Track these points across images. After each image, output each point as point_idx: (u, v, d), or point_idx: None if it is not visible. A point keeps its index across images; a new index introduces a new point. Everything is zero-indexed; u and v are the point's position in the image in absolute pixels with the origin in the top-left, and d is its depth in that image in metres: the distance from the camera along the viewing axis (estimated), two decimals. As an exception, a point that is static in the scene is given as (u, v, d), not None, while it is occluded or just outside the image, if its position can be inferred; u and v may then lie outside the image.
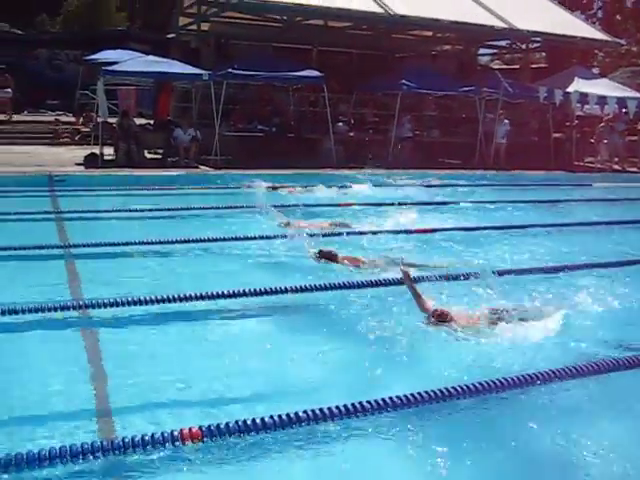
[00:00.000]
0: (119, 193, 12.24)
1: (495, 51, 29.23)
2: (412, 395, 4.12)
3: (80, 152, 16.76)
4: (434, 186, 14.55)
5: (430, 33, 23.03)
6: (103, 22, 35.07)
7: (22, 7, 37.98)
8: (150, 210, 10.43)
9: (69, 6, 37.26)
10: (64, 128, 20.93)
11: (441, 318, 5.42)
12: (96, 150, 15.88)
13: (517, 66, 28.91)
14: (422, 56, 24.12)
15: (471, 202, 12.54)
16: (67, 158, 16.46)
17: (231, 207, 10.73)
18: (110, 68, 15.93)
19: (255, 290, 6.15)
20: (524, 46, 24.44)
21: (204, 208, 10.71)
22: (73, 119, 22.19)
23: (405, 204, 11.60)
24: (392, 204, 11.51)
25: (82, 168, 14.92)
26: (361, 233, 9.06)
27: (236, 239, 8.35)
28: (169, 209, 10.52)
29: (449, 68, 23.34)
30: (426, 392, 4.16)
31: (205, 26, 20.86)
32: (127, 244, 8.03)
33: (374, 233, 9.04)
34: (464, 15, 20.12)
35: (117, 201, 11.60)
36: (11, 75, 22.91)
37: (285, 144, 17.25)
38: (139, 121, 18.96)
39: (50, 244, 7.94)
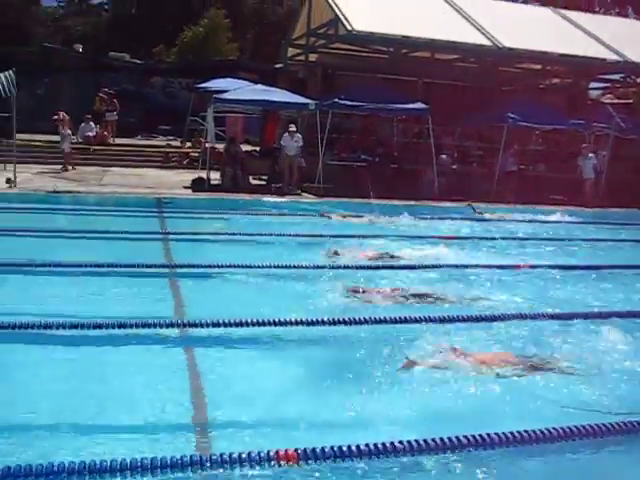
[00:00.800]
0: (223, 216, 12.56)
1: (607, 85, 28.29)
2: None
3: (188, 176, 17.39)
4: (537, 222, 14.15)
5: (539, 66, 22.57)
6: (215, 53, 36.39)
7: (142, 39, 40.27)
8: (249, 234, 10.62)
9: (184, 38, 38.96)
10: (174, 152, 21.80)
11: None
12: (203, 174, 16.45)
13: (630, 100, 27.85)
14: (530, 89, 23.64)
15: (564, 240, 12.10)
16: (175, 181, 17.11)
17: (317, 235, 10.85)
18: (221, 96, 16.50)
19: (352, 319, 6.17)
20: (639, 80, 23.57)
21: (295, 235, 10.74)
22: (181, 144, 23.10)
23: (499, 238, 11.35)
24: (482, 238, 11.28)
25: (189, 191, 15.44)
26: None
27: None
28: (269, 234, 10.61)
29: (558, 102, 22.73)
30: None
31: (312, 57, 21.32)
32: (228, 266, 8.19)
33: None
34: (574, 47, 19.59)
35: (221, 224, 11.91)
36: (125, 101, 24.13)
37: (388, 174, 17.26)
38: (245, 148, 19.51)
39: (156, 263, 8.24)
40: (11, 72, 15.49)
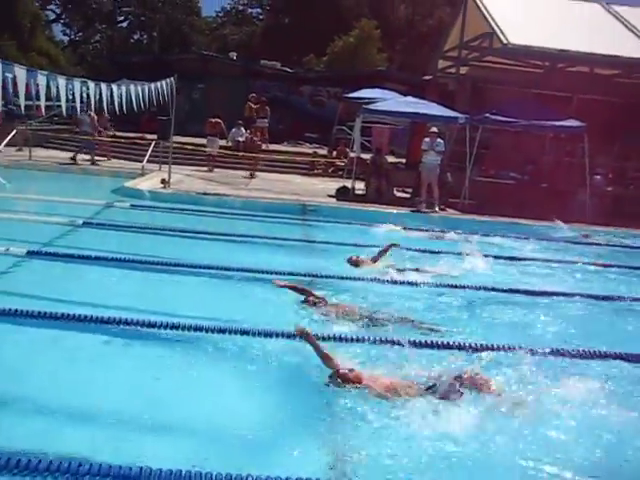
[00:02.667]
0: (365, 227, 12.48)
1: None
2: None
3: (332, 184, 17.55)
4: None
5: None
6: (364, 63, 36.70)
7: (293, 48, 41.38)
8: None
9: (334, 47, 39.61)
10: (319, 160, 22.14)
11: (344, 378, 4.75)
12: (348, 184, 16.55)
13: None
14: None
15: None
16: (320, 189, 17.33)
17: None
18: (370, 107, 16.54)
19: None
20: None
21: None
22: (327, 152, 23.43)
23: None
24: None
25: (333, 200, 15.58)
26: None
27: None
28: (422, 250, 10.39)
29: None
30: None
31: (463, 69, 20.94)
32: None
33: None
34: None
35: (362, 234, 11.82)
36: (274, 108, 24.82)
37: (536, 194, 16.58)
38: (391, 159, 19.47)
39: (299, 272, 8.18)
40: (173, 79, 16.34)
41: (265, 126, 23.59)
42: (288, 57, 37.81)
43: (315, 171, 21.25)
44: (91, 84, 13.13)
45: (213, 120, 21.02)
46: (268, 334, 5.70)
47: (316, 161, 22.00)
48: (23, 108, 14.57)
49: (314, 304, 6.65)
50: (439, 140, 15.41)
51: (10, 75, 7.72)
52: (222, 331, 5.70)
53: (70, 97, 12.33)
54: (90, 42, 58.00)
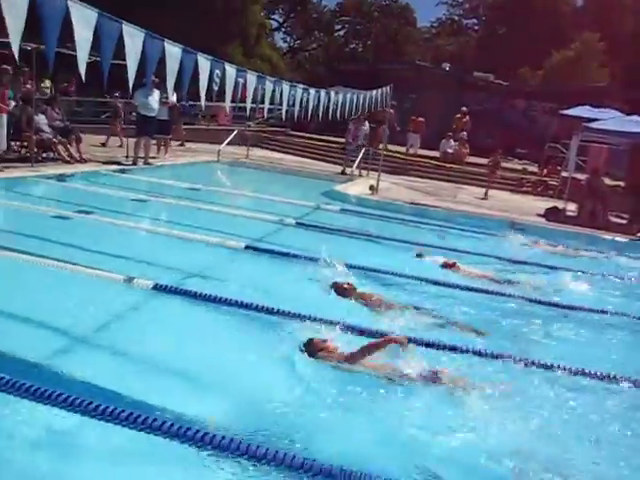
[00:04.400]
0: (579, 253, 11.77)
1: None
2: None
3: (541, 204, 16.86)
4: None
5: None
6: (582, 77, 34.88)
7: (508, 60, 40.39)
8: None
9: (552, 61, 38.06)
10: (528, 178, 21.38)
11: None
12: (559, 204, 15.80)
13: None
14: None
15: None
16: (528, 207, 16.71)
17: None
18: (592, 125, 15.67)
19: None
20: None
21: None
22: (537, 170, 22.55)
23: None
24: None
25: (542, 220, 14.94)
26: None
27: None
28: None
29: None
30: None
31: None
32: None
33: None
34: None
35: (577, 261, 11.15)
36: (485, 121, 24.36)
37: None
38: (607, 181, 18.30)
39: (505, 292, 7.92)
40: (388, 88, 16.58)
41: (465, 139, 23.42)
42: (501, 69, 36.95)
43: (523, 188, 20.54)
44: (311, 90, 13.68)
45: (418, 119, 21.16)
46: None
47: (525, 178, 21.26)
48: (249, 110, 15.58)
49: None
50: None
51: (242, 80, 8.24)
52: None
53: (291, 102, 12.95)
54: (307, 49, 60.56)
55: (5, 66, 13.05)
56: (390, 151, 19.68)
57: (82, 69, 5.30)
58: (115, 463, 3.74)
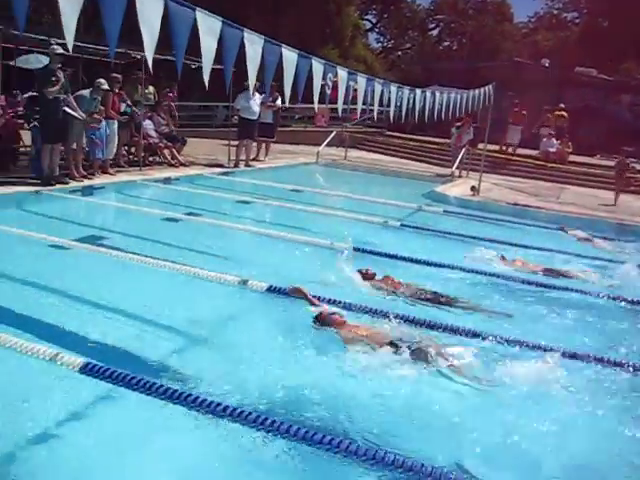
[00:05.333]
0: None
1: None
2: None
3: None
4: None
5: None
6: None
7: (611, 55, 38.87)
8: None
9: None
10: (635, 176, 20.46)
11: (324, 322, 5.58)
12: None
13: None
14: None
15: None
16: (637, 207, 16.04)
17: None
18: None
19: None
20: None
21: None
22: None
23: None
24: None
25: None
26: None
27: None
28: None
29: None
30: None
31: None
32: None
33: None
34: None
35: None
36: (588, 117, 23.51)
37: None
38: None
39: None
40: (491, 87, 16.26)
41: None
42: (604, 64, 35.57)
43: (631, 187, 19.67)
44: (405, 90, 13.57)
45: (520, 111, 20.70)
46: None
47: (633, 177, 20.35)
48: (343, 111, 15.53)
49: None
50: None
51: (352, 83, 8.28)
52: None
53: (386, 102, 12.88)
54: (401, 49, 60.20)
55: (115, 74, 13.61)
56: (490, 151, 19.25)
57: (206, 77, 5.46)
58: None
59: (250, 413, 4.01)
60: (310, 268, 7.65)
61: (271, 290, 6.45)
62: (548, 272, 8.22)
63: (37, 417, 3.99)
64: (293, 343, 5.32)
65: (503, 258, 8.58)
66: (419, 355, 4.99)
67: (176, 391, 4.21)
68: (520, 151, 22.87)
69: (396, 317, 5.71)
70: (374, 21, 57.63)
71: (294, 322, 5.80)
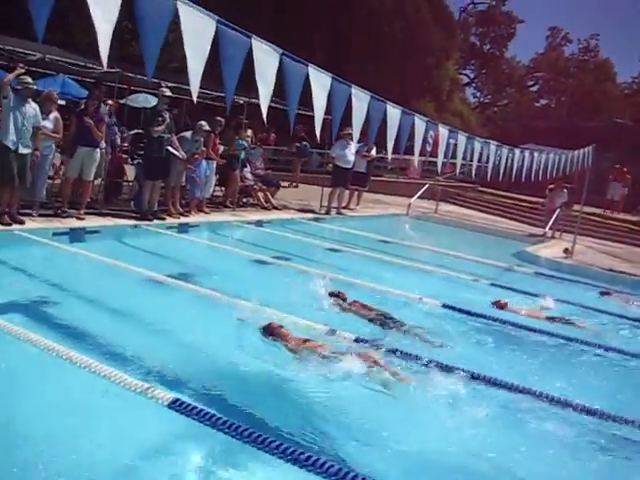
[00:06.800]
0: None
1: None
2: None
3: None
4: None
5: None
6: None
7: None
8: None
9: None
10: None
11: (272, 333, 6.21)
12: None
13: None
14: None
15: None
16: None
17: None
18: None
19: None
20: None
21: None
22: None
23: None
24: None
25: None
26: None
27: None
28: None
29: None
30: None
31: None
32: None
33: None
34: None
35: None
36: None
37: None
38: None
39: None
40: (590, 148, 15.94)
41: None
42: None
43: None
44: (504, 149, 13.46)
45: (621, 168, 20.27)
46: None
47: None
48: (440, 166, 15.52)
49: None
50: None
51: (453, 141, 8.30)
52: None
53: (484, 159, 12.80)
54: (498, 105, 59.96)
55: (218, 117, 14.10)
56: (586, 213, 18.76)
57: (318, 129, 5.62)
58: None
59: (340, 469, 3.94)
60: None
61: (358, 340, 6.42)
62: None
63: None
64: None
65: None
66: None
67: (260, 436, 4.19)
68: (619, 215, 22.22)
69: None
70: (472, 76, 57.81)
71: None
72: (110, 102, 13.48)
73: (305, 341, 6.17)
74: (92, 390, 4.80)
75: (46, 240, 9.37)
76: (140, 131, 13.71)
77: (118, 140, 14.36)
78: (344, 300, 7.95)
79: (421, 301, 8.56)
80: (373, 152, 17.57)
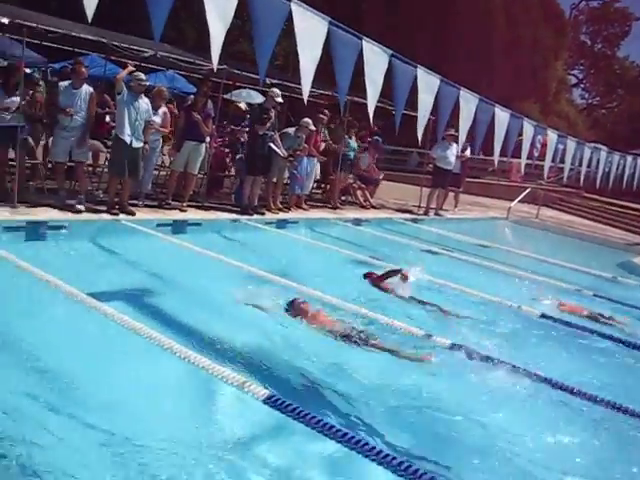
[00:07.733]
0: None
1: None
2: None
3: None
4: None
5: None
6: None
7: None
8: None
9: None
10: None
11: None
12: None
13: None
14: None
15: None
16: None
17: None
18: None
19: None
20: None
21: None
22: None
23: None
24: None
25: None
26: None
27: None
28: None
29: None
30: None
31: None
32: None
33: None
34: None
35: None
36: None
37: None
38: None
39: None
40: None
41: None
42: None
43: None
44: (615, 156, 12.91)
45: None
46: None
47: None
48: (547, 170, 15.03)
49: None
50: None
51: (562, 146, 8.03)
52: None
53: (594, 165, 12.31)
54: (606, 107, 57.63)
55: (322, 115, 14.20)
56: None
57: (420, 130, 5.58)
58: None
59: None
60: (498, 330, 7.43)
61: (453, 348, 6.29)
62: None
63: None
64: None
65: None
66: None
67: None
68: None
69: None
70: (580, 76, 55.83)
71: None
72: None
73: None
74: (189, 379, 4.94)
75: (151, 230, 9.71)
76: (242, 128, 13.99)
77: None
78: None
79: (519, 310, 8.31)
80: (467, 152, 17.25)
